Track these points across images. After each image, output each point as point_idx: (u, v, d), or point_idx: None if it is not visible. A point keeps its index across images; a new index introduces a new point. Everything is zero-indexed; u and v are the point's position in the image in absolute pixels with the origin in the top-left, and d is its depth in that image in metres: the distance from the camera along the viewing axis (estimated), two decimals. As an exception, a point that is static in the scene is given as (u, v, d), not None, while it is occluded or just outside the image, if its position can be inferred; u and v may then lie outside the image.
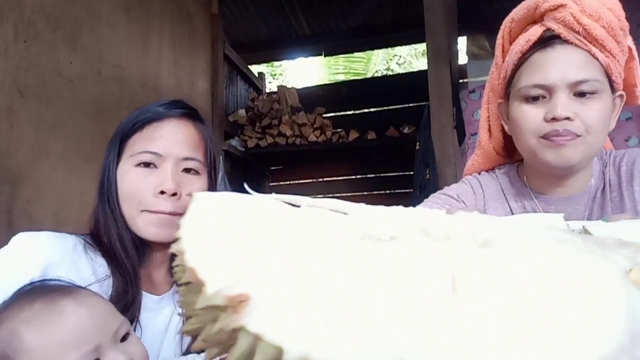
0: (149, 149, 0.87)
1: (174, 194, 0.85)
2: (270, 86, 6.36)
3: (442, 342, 0.23)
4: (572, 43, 0.79)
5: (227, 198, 0.36)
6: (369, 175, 4.13)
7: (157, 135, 0.88)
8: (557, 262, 0.30)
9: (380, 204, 0.39)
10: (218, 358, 0.28)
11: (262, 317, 0.23)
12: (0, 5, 1.43)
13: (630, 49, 0.82)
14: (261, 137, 3.52)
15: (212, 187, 0.96)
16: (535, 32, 0.82)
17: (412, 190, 2.85)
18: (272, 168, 4.23)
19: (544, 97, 0.80)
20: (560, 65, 0.79)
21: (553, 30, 0.80)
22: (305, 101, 3.65)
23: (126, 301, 0.80)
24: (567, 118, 0.77)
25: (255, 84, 4.05)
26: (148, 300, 0.87)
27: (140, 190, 0.85)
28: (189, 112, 0.94)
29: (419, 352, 0.22)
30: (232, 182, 3.11)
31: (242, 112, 3.55)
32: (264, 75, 4.47)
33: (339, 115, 3.90)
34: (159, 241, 0.87)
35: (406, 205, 0.40)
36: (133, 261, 0.85)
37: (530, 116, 0.81)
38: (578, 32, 0.78)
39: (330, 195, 3.80)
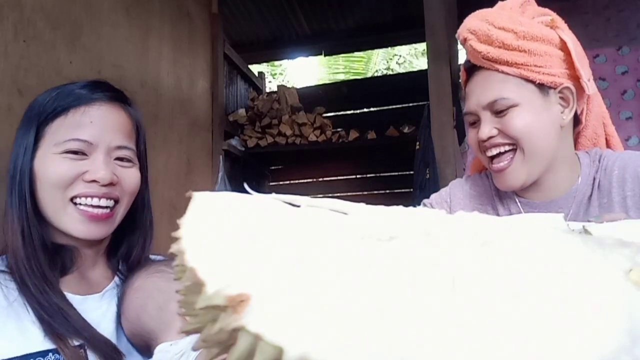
0: (78, 137, 0.76)
1: (110, 184, 0.78)
2: (270, 86, 6.36)
3: (443, 342, 0.23)
4: (483, 67, 0.87)
5: (227, 198, 0.36)
6: (368, 175, 4.12)
7: (85, 120, 0.77)
8: (557, 262, 0.30)
9: (380, 204, 0.39)
10: (218, 358, 0.28)
11: (262, 317, 0.23)
12: (0, 5, 1.43)
13: (564, 42, 0.83)
14: (261, 136, 3.51)
15: (145, 181, 0.87)
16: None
17: (412, 190, 2.84)
18: (272, 168, 4.22)
19: (477, 120, 0.89)
20: (476, 92, 0.88)
21: (470, 61, 0.91)
22: (305, 101, 3.64)
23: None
24: (490, 137, 0.85)
25: (255, 83, 4.04)
26: (89, 303, 0.79)
27: (68, 176, 0.76)
28: (118, 95, 0.85)
29: (419, 352, 0.22)
30: (232, 182, 3.10)
31: (242, 111, 3.54)
32: (264, 74, 4.46)
33: (339, 115, 3.89)
34: (87, 238, 0.78)
35: (406, 205, 0.40)
36: (47, 271, 0.73)
37: (472, 138, 0.92)
38: (479, 58, 0.87)
39: (330, 195, 3.80)
